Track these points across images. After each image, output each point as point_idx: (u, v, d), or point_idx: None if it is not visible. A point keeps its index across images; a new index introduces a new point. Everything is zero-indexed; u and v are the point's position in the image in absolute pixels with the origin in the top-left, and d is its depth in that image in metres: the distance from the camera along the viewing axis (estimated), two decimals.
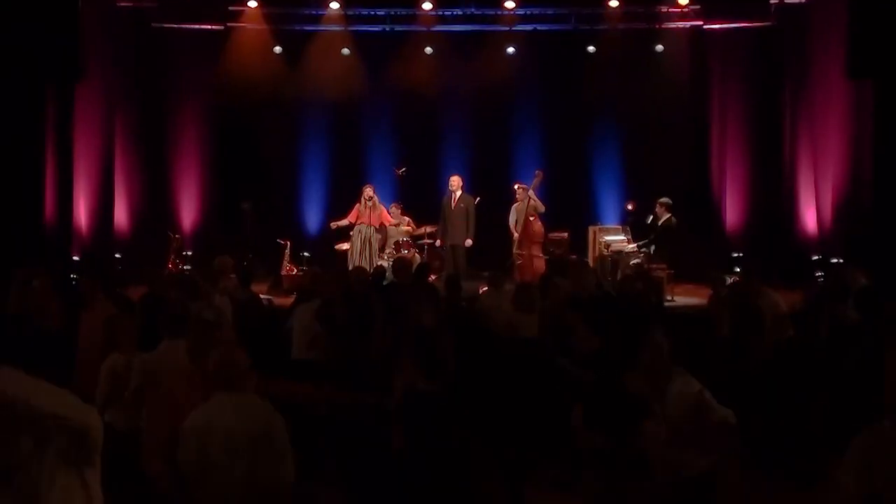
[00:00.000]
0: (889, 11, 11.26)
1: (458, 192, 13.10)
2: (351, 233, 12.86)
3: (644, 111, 14.72)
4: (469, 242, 12.90)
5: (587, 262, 11.63)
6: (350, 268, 11.58)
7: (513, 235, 12.82)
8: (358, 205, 12.74)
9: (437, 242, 13.09)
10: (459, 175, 13.29)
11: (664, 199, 12.29)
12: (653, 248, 12.22)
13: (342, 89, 14.94)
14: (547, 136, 15.04)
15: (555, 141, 15.01)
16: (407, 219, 13.59)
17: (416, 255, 12.79)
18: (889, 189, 11.58)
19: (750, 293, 7.38)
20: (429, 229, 13.34)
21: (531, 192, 12.70)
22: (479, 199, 13.15)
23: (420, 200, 14.02)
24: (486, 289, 9.05)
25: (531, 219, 12.66)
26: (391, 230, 13.24)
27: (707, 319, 7.79)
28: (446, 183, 13.57)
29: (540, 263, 12.49)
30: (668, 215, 12.21)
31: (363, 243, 12.56)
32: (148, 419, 5.14)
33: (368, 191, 12.69)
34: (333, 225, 12.89)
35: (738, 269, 12.28)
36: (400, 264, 9.06)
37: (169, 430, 4.55)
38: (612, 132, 15.05)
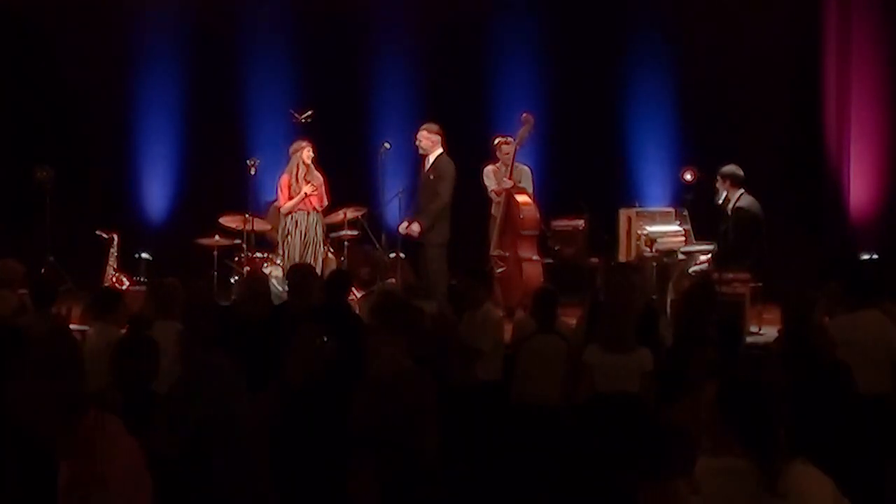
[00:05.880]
0: None
1: (433, 156, 11.35)
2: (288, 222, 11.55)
3: (715, 24, 12.86)
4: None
5: None
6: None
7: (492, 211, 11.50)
8: (288, 175, 11.27)
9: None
10: (434, 125, 11.36)
11: (729, 168, 10.76)
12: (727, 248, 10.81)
13: None
14: (549, 59, 13.17)
15: (562, 67, 13.11)
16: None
17: (331, 256, 11.66)
18: None
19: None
20: (352, 214, 11.70)
21: (514, 146, 11.26)
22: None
23: (336, 168, 12.11)
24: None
25: (518, 199, 11.20)
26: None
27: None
28: (377, 135, 12.26)
29: (534, 271, 11.15)
30: (740, 193, 10.70)
31: (303, 241, 11.31)
32: None
33: (308, 150, 11.28)
34: (294, 202, 11.19)
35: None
36: (298, 274, 8.10)
37: None
38: (660, 55, 13.12)
